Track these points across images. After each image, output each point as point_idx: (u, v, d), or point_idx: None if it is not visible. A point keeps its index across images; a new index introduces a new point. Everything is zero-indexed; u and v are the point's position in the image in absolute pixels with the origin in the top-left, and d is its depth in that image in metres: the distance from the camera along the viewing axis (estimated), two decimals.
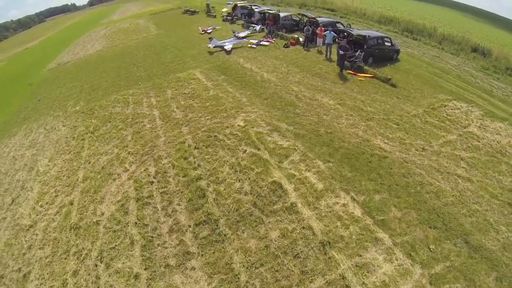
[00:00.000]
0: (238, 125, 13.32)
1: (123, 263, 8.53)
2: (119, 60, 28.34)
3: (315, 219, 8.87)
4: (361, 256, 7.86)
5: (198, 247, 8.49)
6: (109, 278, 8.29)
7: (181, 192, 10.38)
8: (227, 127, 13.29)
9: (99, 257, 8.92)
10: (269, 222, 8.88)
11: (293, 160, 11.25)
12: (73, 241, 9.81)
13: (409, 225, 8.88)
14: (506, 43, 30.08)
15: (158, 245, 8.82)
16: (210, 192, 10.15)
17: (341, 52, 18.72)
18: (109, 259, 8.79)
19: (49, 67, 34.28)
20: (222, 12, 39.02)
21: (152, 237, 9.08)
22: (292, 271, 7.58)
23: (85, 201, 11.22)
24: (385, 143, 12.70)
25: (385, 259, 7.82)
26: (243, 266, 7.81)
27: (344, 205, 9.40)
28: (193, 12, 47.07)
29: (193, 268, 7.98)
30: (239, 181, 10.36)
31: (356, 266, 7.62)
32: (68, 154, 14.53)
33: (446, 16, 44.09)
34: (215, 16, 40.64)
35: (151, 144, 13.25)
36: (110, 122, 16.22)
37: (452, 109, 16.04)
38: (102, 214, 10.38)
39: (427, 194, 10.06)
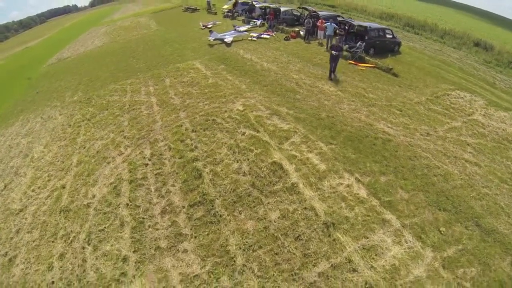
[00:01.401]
0: (237, 109, 12.42)
1: (112, 245, 7.66)
2: (118, 54, 27.37)
3: (317, 200, 7.98)
4: (368, 238, 6.97)
5: (191, 229, 7.59)
6: (96, 261, 7.42)
7: (176, 174, 9.49)
8: (226, 111, 12.38)
9: (87, 240, 8.06)
10: (268, 203, 7.98)
11: (294, 142, 10.36)
12: (62, 224, 8.95)
13: (418, 207, 8.00)
14: (507, 40, 29.09)
15: (149, 226, 7.93)
16: (207, 172, 9.24)
17: (333, 53, 15.60)
18: (97, 242, 7.92)
19: (49, 62, 33.35)
20: (223, 9, 38.05)
21: (143, 218, 8.19)
22: (294, 254, 6.67)
23: (77, 184, 10.36)
24: (388, 127, 11.83)
25: (393, 241, 6.93)
26: (240, 248, 6.91)
27: (348, 186, 8.51)
28: (194, 10, 45.94)
29: (185, 251, 7.09)
30: (237, 162, 9.46)
31: (363, 248, 6.72)
32: (64, 140, 13.66)
33: (446, 14, 43.06)
34: (215, 13, 39.56)
35: (147, 129, 12.38)
36: (107, 109, 15.33)
37: (455, 98, 15.27)
38: (94, 196, 9.51)
39: (435, 177, 9.19)
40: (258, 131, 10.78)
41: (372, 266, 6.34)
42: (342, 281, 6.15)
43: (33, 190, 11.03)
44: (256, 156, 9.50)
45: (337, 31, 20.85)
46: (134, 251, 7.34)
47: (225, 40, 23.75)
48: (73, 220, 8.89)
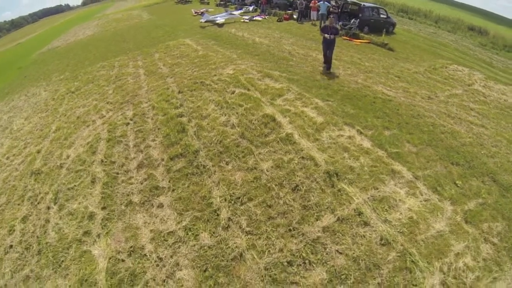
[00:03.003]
0: (227, 73, 10.87)
1: (79, 203, 6.17)
2: (109, 40, 25.50)
3: (316, 150, 6.57)
4: (377, 189, 5.58)
5: (169, 181, 6.11)
6: (59, 220, 5.94)
7: (158, 129, 7.98)
8: (215, 75, 10.82)
9: (53, 199, 6.58)
10: (259, 153, 6.52)
11: (287, 98, 8.93)
12: (30, 186, 7.46)
13: (428, 160, 6.67)
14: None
15: (123, 181, 6.43)
16: (191, 126, 7.76)
17: (327, 36, 11.11)
18: (64, 200, 6.43)
19: (39, 52, 31.21)
20: None
21: (117, 174, 6.70)
22: (291, 205, 5.24)
23: (53, 148, 8.83)
24: (387, 90, 10.53)
25: (407, 193, 5.57)
26: (225, 200, 5.45)
27: (350, 137, 7.13)
28: (186, 2, 44.11)
29: (160, 205, 5.61)
30: (225, 115, 7.97)
31: (374, 200, 5.33)
32: (45, 112, 12.04)
33: (440, 7, 41.96)
34: (208, 3, 37.74)
35: (132, 94, 10.82)
36: (93, 82, 13.69)
37: (453, 70, 14.13)
38: (68, 157, 8.00)
39: (442, 134, 7.90)
40: (248, 90, 9.32)
41: (386, 219, 4.97)
42: (352, 237, 4.76)
43: (7, 158, 9.55)
44: (246, 110, 8.05)
45: (331, 9, 19.47)
46: (102, 208, 5.87)
47: (217, 21, 22.16)
48: (43, 181, 7.41)
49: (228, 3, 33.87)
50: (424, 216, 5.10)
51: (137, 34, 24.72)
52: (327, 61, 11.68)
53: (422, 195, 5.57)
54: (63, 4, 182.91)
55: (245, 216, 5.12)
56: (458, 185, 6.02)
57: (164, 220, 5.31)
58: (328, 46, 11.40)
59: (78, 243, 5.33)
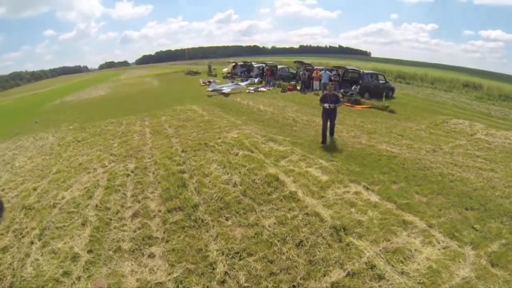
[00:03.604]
0: (231, 137, 11.19)
1: (65, 243, 5.74)
2: (120, 100, 27.00)
3: (322, 207, 6.32)
4: (390, 241, 5.19)
5: (164, 232, 5.78)
6: (40, 256, 5.46)
7: (158, 183, 7.87)
8: (219, 138, 11.12)
9: (38, 235, 6.19)
10: (261, 210, 6.27)
11: (291, 159, 8.95)
12: (19, 219, 7.05)
13: (440, 208, 6.34)
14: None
15: (115, 227, 6.10)
16: (192, 182, 7.66)
17: (327, 106, 10.20)
18: (49, 238, 6.02)
19: (52, 103, 32.73)
20: (223, 71, 39.24)
21: (110, 219, 6.38)
22: (295, 261, 4.84)
23: (50, 188, 8.64)
24: (391, 147, 10.52)
25: (423, 242, 5.15)
26: (222, 254, 5.05)
27: (356, 193, 6.90)
28: (195, 73, 47.97)
29: (151, 255, 5.20)
30: (228, 174, 7.91)
31: (387, 252, 4.91)
32: (49, 155, 12.09)
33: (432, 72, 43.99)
34: (216, 75, 40.40)
35: (136, 149, 10.97)
36: (99, 135, 14.04)
37: (454, 124, 14.34)
38: (63, 198, 7.73)
39: (451, 182, 7.64)
40: (252, 152, 9.44)
41: (403, 271, 4.51)
42: None
43: (2, 190, 9.27)
44: (249, 170, 8.01)
45: (332, 77, 20.63)
46: (88, 251, 5.44)
47: (223, 90, 23.45)
48: (33, 217, 7.05)
49: (234, 76, 36.24)
50: (445, 264, 4.64)
51: (146, 98, 26.15)
52: (327, 133, 10.61)
53: (439, 243, 5.14)
54: (81, 65, 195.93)
55: (244, 271, 4.70)
56: (477, 228, 5.62)
57: (153, 270, 4.90)
58: (329, 116, 10.45)
59: (55, 283, 4.84)
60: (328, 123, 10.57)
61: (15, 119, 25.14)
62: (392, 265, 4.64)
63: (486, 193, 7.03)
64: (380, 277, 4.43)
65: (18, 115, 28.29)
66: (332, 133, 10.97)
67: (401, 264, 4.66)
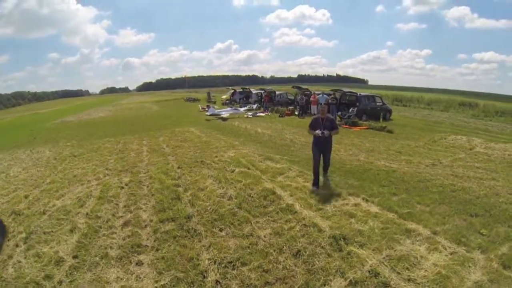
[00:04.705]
0: (228, 155, 10.99)
1: (51, 247, 5.37)
2: (119, 122, 27.06)
3: (320, 218, 6.00)
4: (393, 248, 4.84)
5: (154, 241, 5.41)
6: (23, 259, 5.10)
7: (152, 195, 7.54)
8: (216, 157, 10.90)
9: (24, 238, 5.85)
10: (257, 222, 5.93)
11: (288, 175, 8.71)
12: (7, 223, 6.58)
13: (444, 216, 6.05)
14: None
15: (104, 235, 5.72)
16: (186, 196, 7.36)
17: (320, 133, 7.46)
18: (35, 242, 5.67)
19: (52, 122, 32.59)
20: (222, 98, 39.68)
21: (100, 227, 6.00)
22: (292, 270, 4.46)
23: (42, 196, 8.28)
24: (390, 163, 10.32)
25: (428, 249, 4.81)
26: (214, 263, 4.66)
27: (355, 204, 6.60)
28: (195, 100, 48.93)
29: (139, 263, 4.81)
30: (223, 188, 7.61)
31: (391, 259, 4.56)
32: (44, 167, 11.73)
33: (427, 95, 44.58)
34: (215, 102, 40.85)
35: (132, 165, 10.69)
36: (96, 152, 13.77)
37: (453, 140, 14.28)
38: (54, 206, 7.38)
39: (453, 192, 7.41)
40: (249, 168, 9.20)
41: (409, 278, 4.16)
42: None
43: None
44: (245, 185, 7.72)
45: (329, 100, 20.77)
46: (74, 256, 5.05)
47: (222, 115, 23.54)
48: (21, 222, 6.68)
49: (233, 102, 36.58)
50: (454, 269, 4.28)
51: (146, 121, 26.19)
52: (317, 173, 7.64)
53: (446, 249, 4.80)
54: (83, 89, 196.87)
55: (237, 280, 4.31)
56: (484, 233, 5.31)
57: (140, 277, 4.48)
58: (322, 148, 7.73)
59: (35, 285, 4.43)
60: (318, 157, 7.62)
61: (14, 135, 25.11)
62: (398, 272, 4.29)
63: (490, 200, 6.79)
64: (386, 285, 4.07)
65: (17, 131, 28.35)
66: (326, 169, 8.28)
67: (407, 271, 4.30)
